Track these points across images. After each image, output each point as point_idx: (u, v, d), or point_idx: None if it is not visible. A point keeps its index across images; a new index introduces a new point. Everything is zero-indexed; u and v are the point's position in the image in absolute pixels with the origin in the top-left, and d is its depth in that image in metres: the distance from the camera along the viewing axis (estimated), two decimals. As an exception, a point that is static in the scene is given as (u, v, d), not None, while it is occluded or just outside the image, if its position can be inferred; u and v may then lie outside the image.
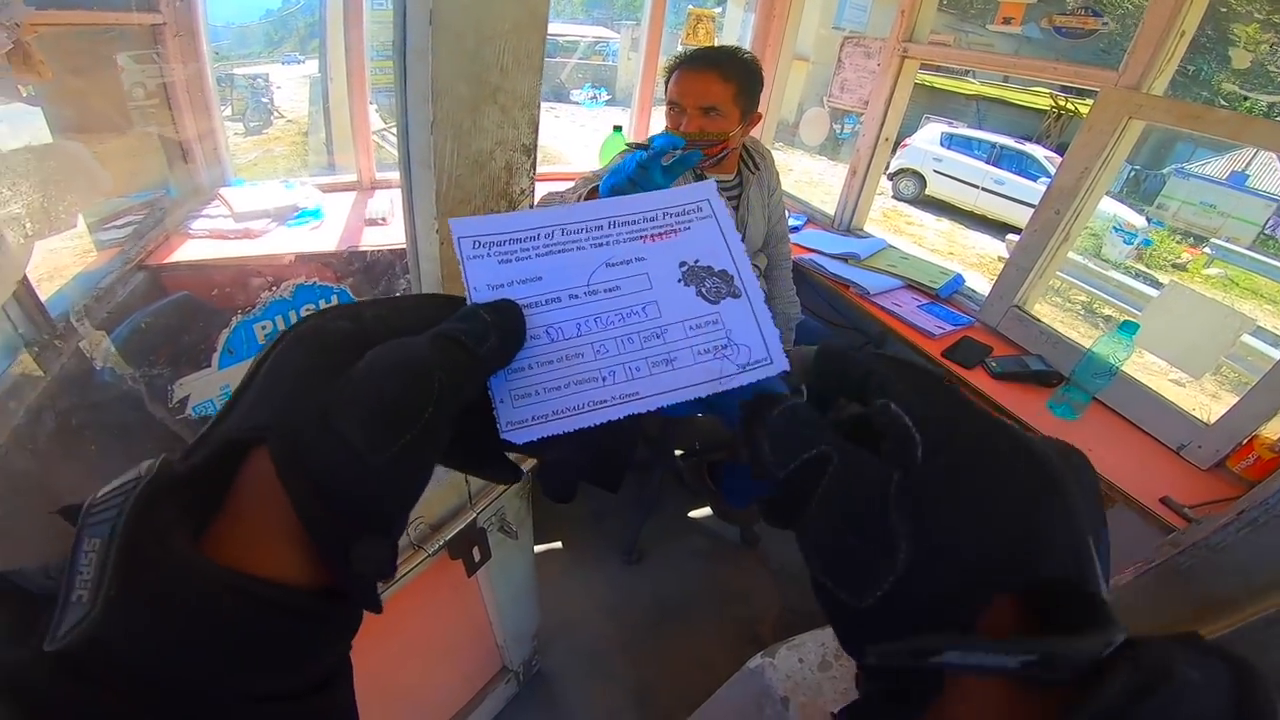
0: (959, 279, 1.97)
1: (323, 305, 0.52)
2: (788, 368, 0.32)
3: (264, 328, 0.49)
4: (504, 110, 0.58)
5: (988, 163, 9.24)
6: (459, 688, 1.34)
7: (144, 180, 1.84)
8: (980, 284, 1.78)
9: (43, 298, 1.24)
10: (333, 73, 2.28)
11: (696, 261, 0.34)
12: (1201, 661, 0.18)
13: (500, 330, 0.28)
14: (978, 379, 1.52)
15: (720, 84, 1.38)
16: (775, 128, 2.52)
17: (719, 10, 2.73)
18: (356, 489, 0.22)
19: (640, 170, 1.03)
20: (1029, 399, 1.47)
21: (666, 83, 1.44)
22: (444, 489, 0.80)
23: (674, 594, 1.87)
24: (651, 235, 0.34)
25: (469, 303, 0.30)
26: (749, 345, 0.33)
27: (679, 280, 0.33)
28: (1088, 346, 1.44)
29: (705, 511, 2.12)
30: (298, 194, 1.91)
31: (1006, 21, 2.08)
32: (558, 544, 1.96)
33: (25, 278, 1.09)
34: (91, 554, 0.19)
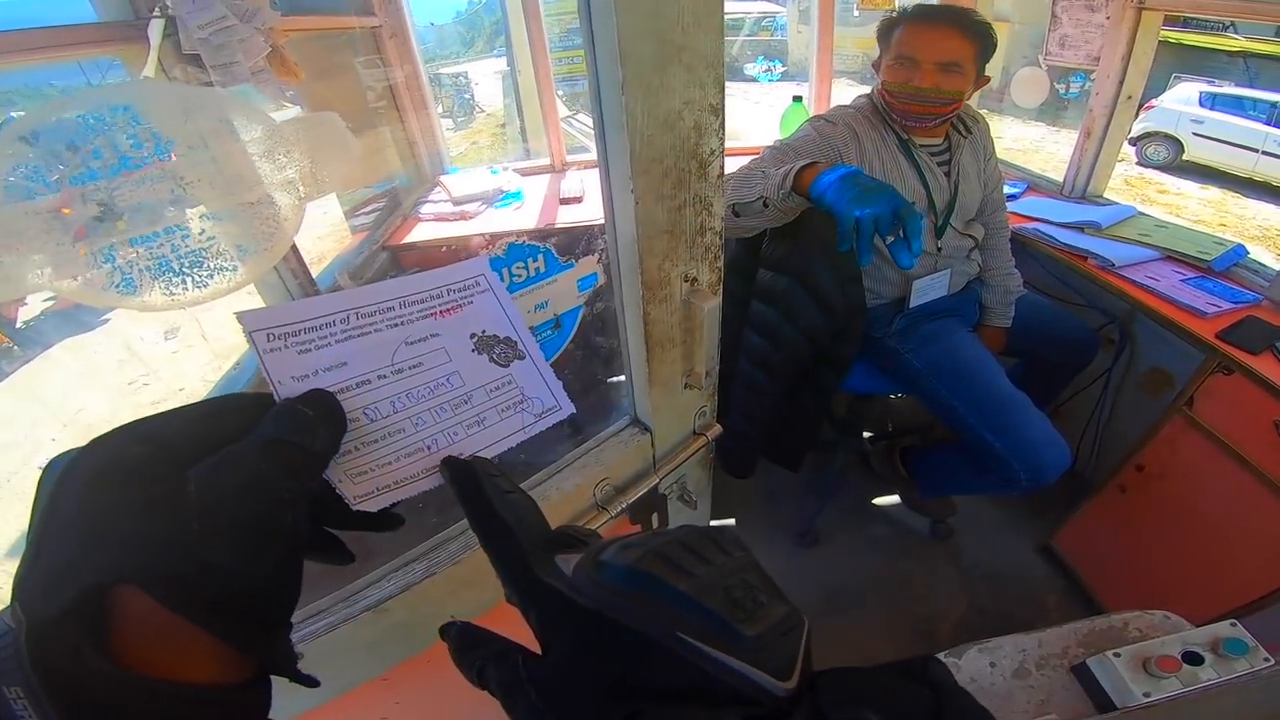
0: (1240, 249, 1.58)
1: (529, 265, 0.56)
2: (574, 410, 0.39)
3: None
4: (689, 69, 0.57)
5: (1269, 123, 7.44)
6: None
7: (383, 172, 2.15)
8: (1268, 259, 1.40)
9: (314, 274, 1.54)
10: (520, 66, 2.49)
11: (484, 331, 0.39)
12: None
13: (324, 422, 0.30)
14: (1266, 365, 1.21)
15: (961, 40, 1.27)
16: (978, 93, 2.22)
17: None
18: (247, 601, 0.25)
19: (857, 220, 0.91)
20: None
21: (887, 39, 1.34)
22: (630, 451, 0.82)
23: (846, 582, 1.77)
24: (440, 311, 0.37)
25: (276, 397, 0.30)
26: (540, 398, 0.39)
27: (472, 350, 0.38)
28: None
29: (893, 499, 1.97)
30: (501, 179, 2.11)
31: None
32: (731, 520, 1.95)
33: (296, 249, 1.33)
34: (22, 699, 0.21)
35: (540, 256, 0.57)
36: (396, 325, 0.36)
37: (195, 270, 0.45)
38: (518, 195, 2.06)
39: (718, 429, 0.87)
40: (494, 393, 0.38)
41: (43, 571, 0.23)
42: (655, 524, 0.98)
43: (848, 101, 1.45)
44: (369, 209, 2.00)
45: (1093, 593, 1.65)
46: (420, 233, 1.91)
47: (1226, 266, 1.54)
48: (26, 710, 0.20)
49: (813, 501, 1.88)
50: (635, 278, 0.62)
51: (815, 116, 1.39)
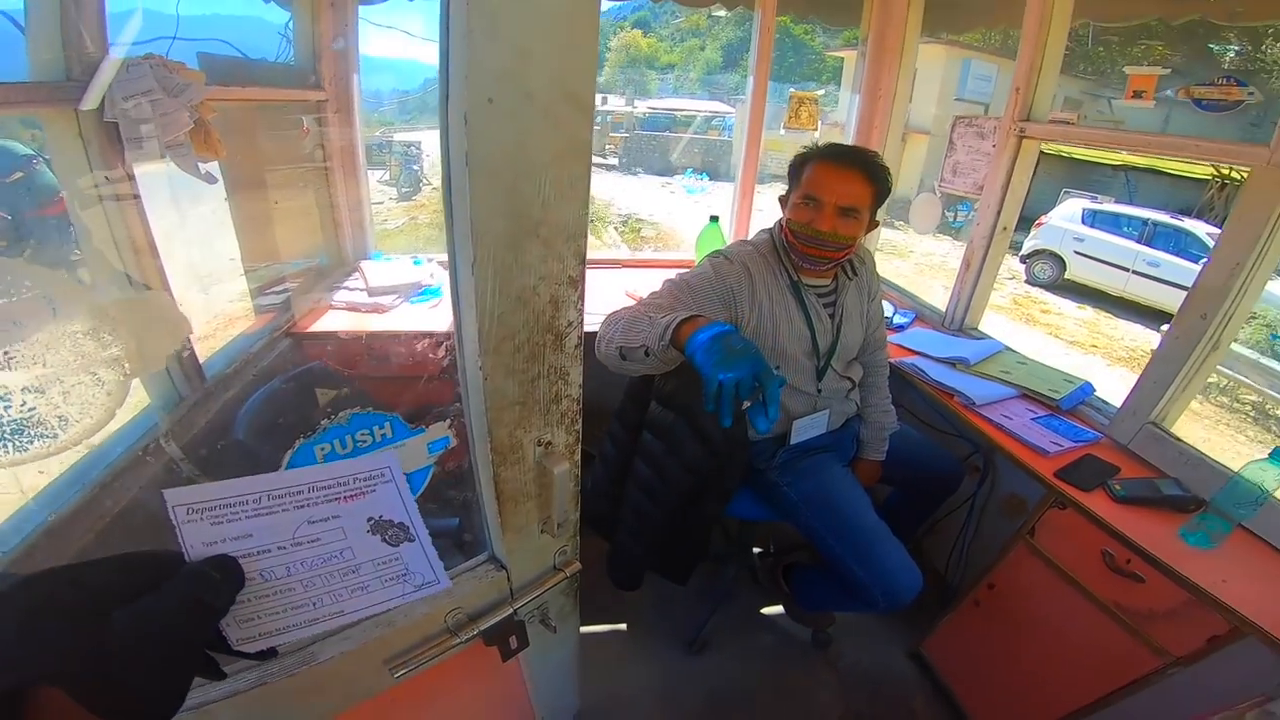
0: (1086, 388, 1.76)
1: (375, 431, 0.58)
2: (450, 585, 0.47)
3: (323, 449, 0.56)
4: (547, 244, 0.59)
5: (1139, 242, 8.24)
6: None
7: (303, 247, 2.07)
8: (1125, 383, 1.58)
9: (205, 357, 1.46)
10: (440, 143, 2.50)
11: (381, 516, 0.44)
12: None
13: (227, 584, 0.37)
14: (1096, 502, 1.35)
15: (864, 185, 1.33)
16: (891, 207, 2.41)
17: (821, 93, 2.74)
18: (147, 707, 0.32)
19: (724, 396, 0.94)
20: (1158, 526, 1.29)
21: (797, 175, 1.39)
22: (485, 584, 0.83)
23: (732, 688, 1.80)
24: (345, 497, 0.43)
25: (186, 558, 0.38)
26: (421, 572, 0.45)
27: (367, 531, 0.44)
28: (1234, 470, 1.26)
29: (779, 609, 2.02)
30: (423, 271, 2.09)
31: (1137, 95, 1.87)
32: (621, 625, 1.94)
33: (189, 339, 1.29)
34: None
35: (387, 424, 0.59)
36: (302, 507, 0.42)
37: (16, 437, 0.47)
38: (436, 292, 2.02)
39: (577, 566, 0.89)
40: (380, 566, 0.44)
41: None
42: (514, 646, 0.98)
43: (750, 236, 1.53)
44: (280, 288, 1.89)
45: (955, 697, 1.74)
46: (330, 322, 1.85)
47: (1073, 405, 1.71)
48: None
49: (703, 610, 1.90)
50: (485, 444, 0.64)
51: (715, 253, 1.44)
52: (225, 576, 0.37)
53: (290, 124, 1.94)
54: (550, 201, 0.57)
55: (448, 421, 0.65)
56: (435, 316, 1.93)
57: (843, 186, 1.32)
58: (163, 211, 1.16)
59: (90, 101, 0.96)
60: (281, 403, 1.39)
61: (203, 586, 0.36)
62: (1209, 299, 1.37)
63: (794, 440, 1.52)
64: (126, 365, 0.45)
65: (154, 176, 1.15)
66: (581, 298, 0.66)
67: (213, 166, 1.26)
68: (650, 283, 2.27)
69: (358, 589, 0.42)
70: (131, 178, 1.04)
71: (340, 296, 1.94)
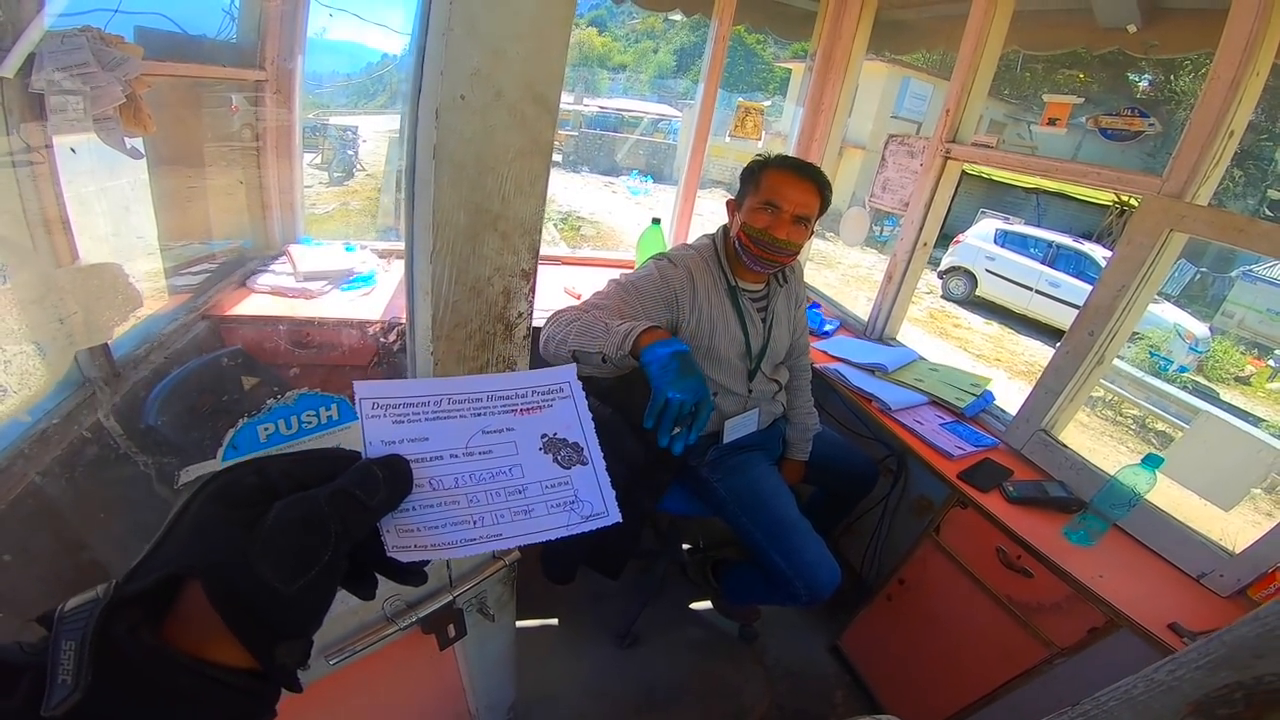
0: (988, 397, 1.92)
1: (321, 413, 0.58)
2: (620, 519, 0.42)
3: (267, 429, 0.55)
4: (504, 237, 0.61)
5: (1043, 263, 8.81)
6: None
7: (226, 228, 1.95)
8: (1022, 395, 1.73)
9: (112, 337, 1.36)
10: (409, 133, 2.43)
11: (555, 434, 0.43)
12: None
13: (390, 484, 0.35)
14: (992, 503, 1.47)
15: (815, 197, 1.41)
16: (823, 219, 2.51)
17: (768, 104, 2.85)
18: (273, 611, 0.30)
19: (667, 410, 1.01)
20: (1044, 524, 1.42)
21: (754, 181, 1.43)
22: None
23: (663, 681, 1.84)
24: (521, 410, 0.43)
25: (364, 455, 0.37)
26: (591, 502, 0.42)
27: (540, 449, 0.42)
28: (1111, 474, 1.39)
29: (706, 605, 2.08)
30: (356, 258, 2.01)
31: (1052, 123, 1.99)
32: (554, 620, 1.95)
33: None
34: (70, 652, 0.26)
35: (334, 406, 0.59)
36: (479, 415, 0.41)
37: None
38: (369, 279, 1.96)
39: (516, 555, 0.90)
40: (549, 489, 0.41)
41: (147, 559, 0.30)
42: (452, 634, 0.98)
43: (692, 240, 1.57)
44: (198, 268, 1.78)
45: (871, 688, 1.84)
46: (252, 305, 1.75)
47: (975, 413, 1.86)
48: (68, 661, 0.26)
49: (634, 605, 1.94)
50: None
51: (660, 255, 1.48)
52: (392, 476, 0.36)
53: (220, 101, 1.84)
54: (510, 197, 0.59)
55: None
56: (366, 305, 1.87)
57: (799, 196, 1.39)
58: (80, 183, 1.09)
59: (8, 69, 0.89)
60: (198, 387, 1.32)
61: (362, 482, 0.34)
62: (1097, 317, 1.51)
63: (726, 439, 1.58)
64: (75, 335, 0.44)
65: (76, 147, 1.07)
66: (533, 290, 0.69)
67: (138, 142, 1.19)
68: (590, 281, 2.30)
69: (521, 512, 0.40)
70: (49, 147, 0.98)
71: (266, 280, 1.84)
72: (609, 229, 9.81)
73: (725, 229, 1.54)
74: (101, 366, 1.25)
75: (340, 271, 1.92)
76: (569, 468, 0.43)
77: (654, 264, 1.45)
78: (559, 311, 1.26)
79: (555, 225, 9.46)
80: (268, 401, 0.53)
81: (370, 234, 2.70)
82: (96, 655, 0.26)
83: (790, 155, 1.55)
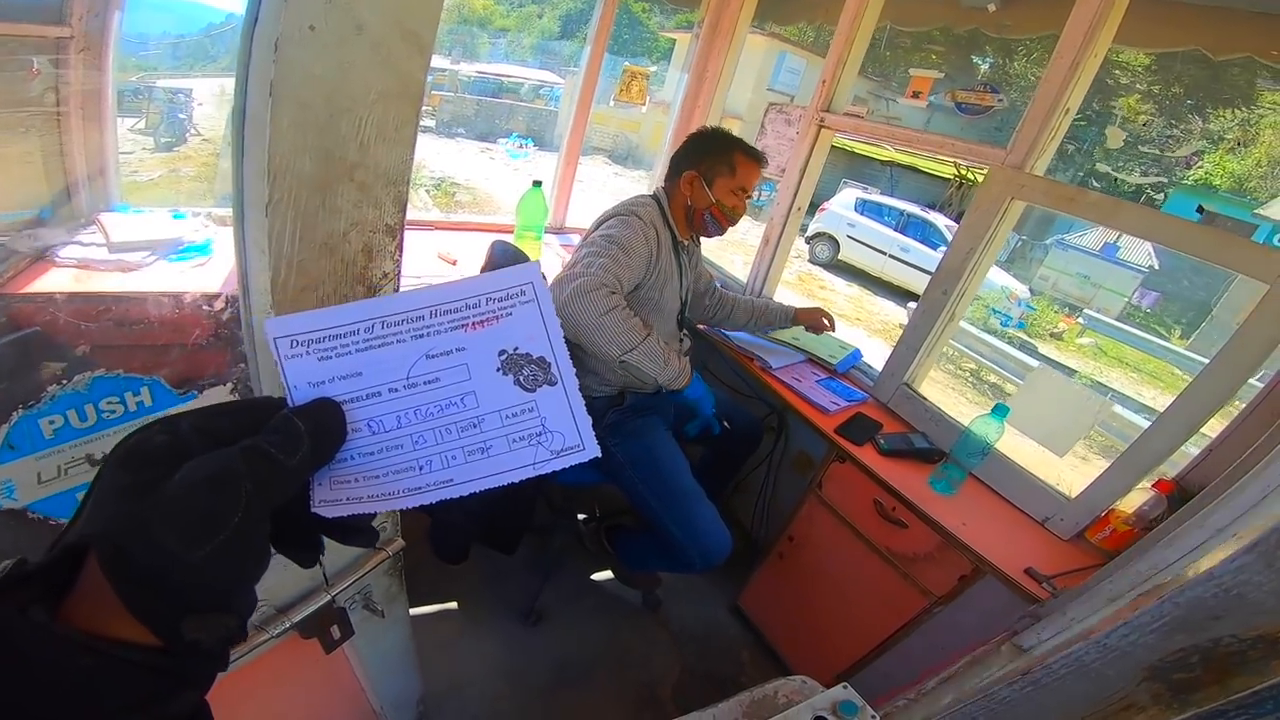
0: (857, 354, 2.04)
1: (128, 400, 0.46)
2: (599, 453, 0.35)
3: (52, 422, 0.43)
4: (363, 188, 0.54)
5: (895, 230, 9.61)
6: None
7: (17, 198, 1.67)
8: (880, 355, 1.86)
9: None
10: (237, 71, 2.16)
11: (516, 349, 0.35)
12: None
13: (316, 436, 0.30)
14: (867, 455, 1.56)
15: None
16: None
17: (653, 69, 2.82)
18: (177, 580, 0.26)
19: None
20: (912, 475, 1.52)
21: (725, 159, 1.58)
22: (290, 572, 0.74)
23: (573, 656, 1.82)
24: (473, 323, 0.35)
25: (289, 403, 0.32)
26: (562, 433, 0.35)
27: (498, 370, 0.35)
28: (965, 425, 1.49)
29: (607, 575, 2.08)
30: (186, 225, 1.76)
31: (915, 95, 2.15)
32: (453, 604, 1.86)
33: None
34: None
35: (144, 389, 0.47)
36: (421, 336, 0.33)
37: None
38: (204, 249, 1.71)
39: (401, 544, 0.83)
40: (509, 420, 0.34)
41: (61, 536, 0.27)
42: (336, 636, 0.90)
43: (629, 198, 1.62)
44: None
45: (774, 646, 1.91)
46: (50, 281, 1.48)
47: (847, 369, 1.98)
48: None
49: (534, 580, 1.90)
50: (281, 410, 0.56)
51: (629, 211, 1.51)
52: (316, 428, 0.30)
53: (18, 65, 1.54)
54: (370, 143, 0.52)
55: (229, 385, 0.55)
56: (201, 277, 1.65)
57: (757, 180, 1.63)
58: None
59: None
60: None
61: (281, 438, 0.29)
62: (949, 278, 1.64)
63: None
64: None
65: None
66: (400, 248, 0.62)
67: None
68: (467, 245, 2.17)
69: (476, 450, 0.33)
70: None
71: (70, 253, 1.57)
72: (485, 195, 9.44)
73: (667, 192, 1.64)
74: None
75: (165, 241, 1.68)
76: (533, 389, 0.35)
77: (632, 222, 1.48)
78: (589, 279, 1.31)
79: (429, 191, 8.95)
80: (49, 388, 0.41)
81: (208, 200, 2.38)
82: None
83: (742, 139, 1.67)
